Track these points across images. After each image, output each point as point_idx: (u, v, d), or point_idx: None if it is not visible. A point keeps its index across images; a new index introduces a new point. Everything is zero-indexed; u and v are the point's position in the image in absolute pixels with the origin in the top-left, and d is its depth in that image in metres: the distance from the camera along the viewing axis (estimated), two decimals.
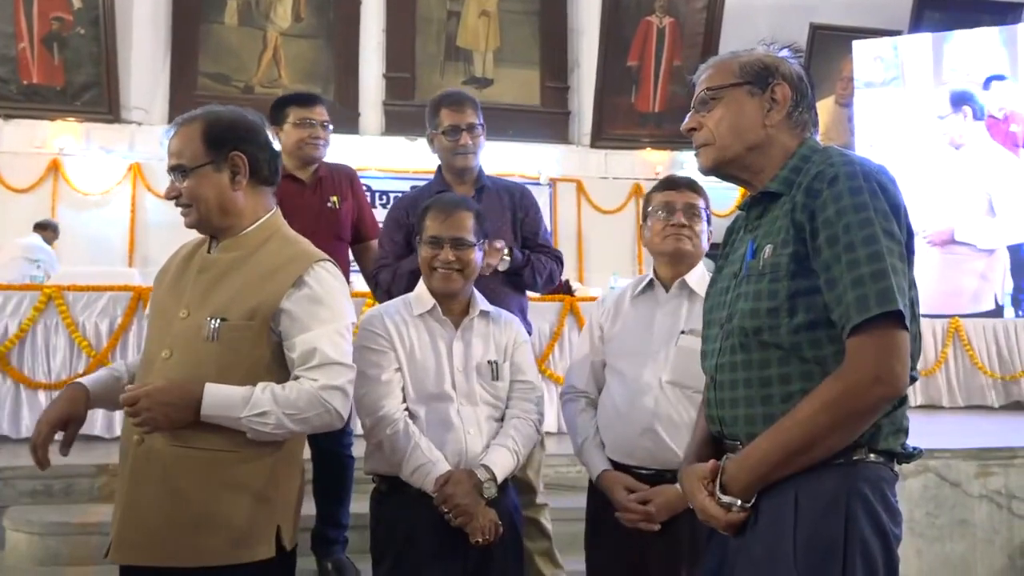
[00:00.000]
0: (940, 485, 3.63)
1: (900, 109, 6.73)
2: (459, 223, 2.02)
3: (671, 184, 2.12)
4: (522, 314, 2.61)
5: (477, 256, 2.05)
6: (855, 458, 1.31)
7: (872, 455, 1.32)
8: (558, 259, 2.73)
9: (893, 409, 1.33)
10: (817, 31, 7.48)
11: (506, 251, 2.54)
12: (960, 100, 6.54)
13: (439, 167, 2.76)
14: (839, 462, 1.30)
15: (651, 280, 2.15)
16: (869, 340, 1.25)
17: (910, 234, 1.35)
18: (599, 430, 2.11)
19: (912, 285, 1.34)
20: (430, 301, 2.03)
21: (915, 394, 5.85)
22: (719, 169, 1.47)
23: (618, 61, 7.41)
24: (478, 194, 2.70)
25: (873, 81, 6.87)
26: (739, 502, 1.34)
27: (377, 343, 1.98)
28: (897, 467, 1.38)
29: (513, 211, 2.70)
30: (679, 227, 2.03)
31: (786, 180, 1.39)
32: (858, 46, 7.06)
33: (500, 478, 1.92)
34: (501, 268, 2.56)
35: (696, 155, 1.49)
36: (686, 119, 1.48)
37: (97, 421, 3.98)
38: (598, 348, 2.17)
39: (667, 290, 2.10)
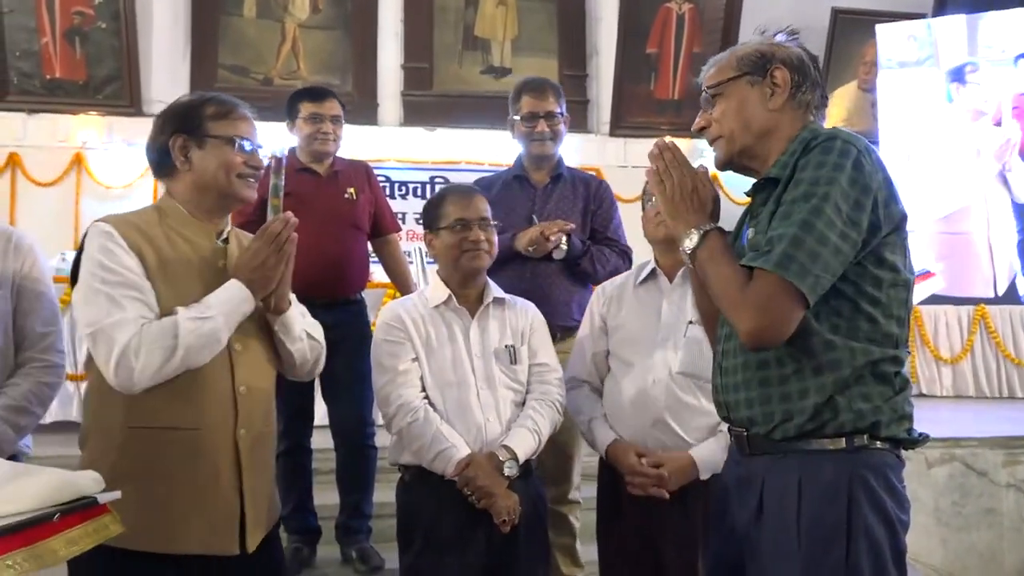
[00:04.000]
0: (967, 474, 3.60)
1: (934, 88, 6.64)
2: (482, 205, 2.10)
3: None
4: (579, 308, 2.62)
5: (496, 237, 2.14)
6: (856, 445, 1.33)
7: (875, 442, 1.34)
8: (624, 254, 2.73)
9: (894, 395, 1.36)
10: (839, 15, 7.37)
11: (564, 240, 2.53)
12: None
13: (519, 154, 2.78)
14: (841, 449, 1.33)
15: (653, 269, 2.14)
16: (763, 287, 1.29)
17: (900, 215, 1.36)
18: (607, 417, 2.11)
19: (906, 268, 1.37)
20: (444, 292, 2.06)
21: (941, 383, 5.79)
22: (734, 161, 1.50)
23: (637, 48, 7.34)
24: (553, 182, 2.72)
25: (907, 60, 6.77)
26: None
27: (393, 335, 2.01)
28: (904, 453, 1.40)
29: (586, 202, 2.70)
30: None
31: (785, 164, 1.41)
32: (882, 29, 6.96)
33: (521, 458, 1.94)
34: (557, 256, 2.56)
35: (713, 151, 1.52)
36: (696, 119, 1.52)
37: None
38: (600, 338, 2.17)
39: (671, 280, 2.10)
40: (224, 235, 1.74)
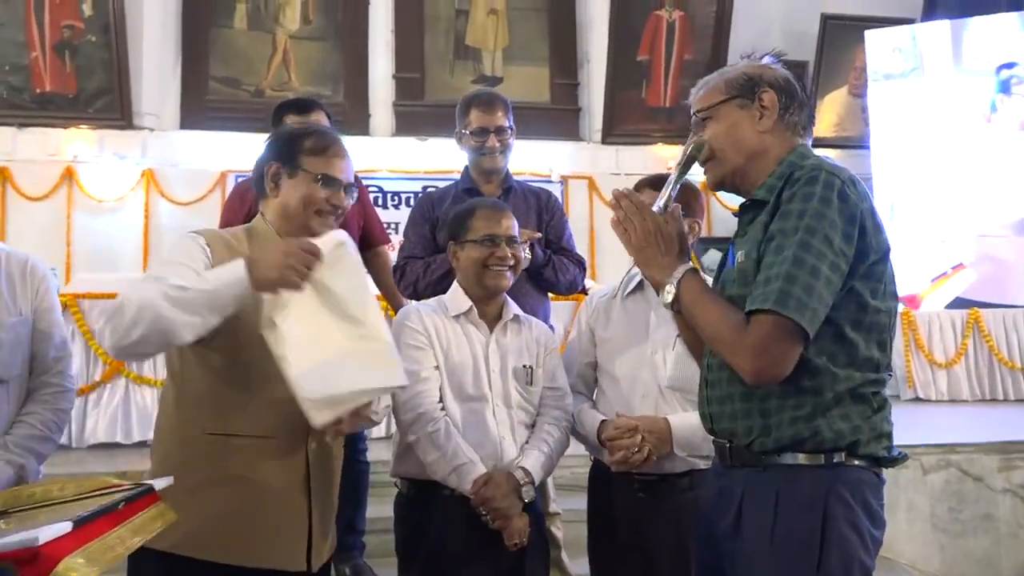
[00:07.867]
0: (963, 479, 3.60)
1: (922, 99, 6.67)
2: (510, 222, 2.07)
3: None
4: (543, 318, 2.61)
5: (523, 254, 2.13)
6: (835, 461, 1.36)
7: (854, 459, 1.37)
8: (580, 264, 2.72)
9: (873, 414, 1.38)
10: (828, 21, 7.40)
11: (527, 249, 2.54)
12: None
13: (466, 166, 2.76)
14: (820, 465, 1.36)
15: (640, 280, 2.13)
16: (761, 329, 1.31)
17: (886, 245, 1.39)
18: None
19: (891, 296, 1.40)
20: (466, 303, 2.02)
21: (936, 387, 5.78)
22: (725, 182, 1.53)
23: (628, 56, 7.36)
24: (505, 195, 2.71)
25: (892, 72, 6.79)
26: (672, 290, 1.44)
27: (415, 339, 1.97)
28: (884, 471, 1.42)
29: (539, 213, 2.70)
30: None
31: (771, 187, 1.43)
32: (871, 36, 6.99)
33: (537, 481, 1.91)
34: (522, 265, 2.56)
35: (705, 173, 1.55)
36: (688, 141, 1.55)
37: (118, 429, 3.99)
38: (588, 350, 2.16)
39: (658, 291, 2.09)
40: None
